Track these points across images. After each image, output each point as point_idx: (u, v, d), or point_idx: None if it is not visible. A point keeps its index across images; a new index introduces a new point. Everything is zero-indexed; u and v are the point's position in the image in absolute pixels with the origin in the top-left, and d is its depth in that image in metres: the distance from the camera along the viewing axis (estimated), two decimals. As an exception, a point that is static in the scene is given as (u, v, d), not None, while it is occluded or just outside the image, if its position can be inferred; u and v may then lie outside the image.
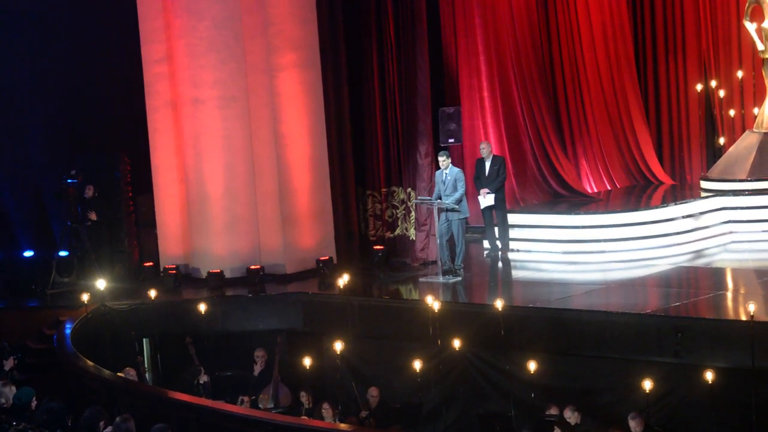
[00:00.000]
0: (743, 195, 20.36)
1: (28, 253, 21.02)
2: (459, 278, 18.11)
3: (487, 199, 19.36)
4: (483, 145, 19.83)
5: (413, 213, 19.83)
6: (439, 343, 16.01)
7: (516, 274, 19.24)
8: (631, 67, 23.06)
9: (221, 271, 19.07)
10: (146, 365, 17.53)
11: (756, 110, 21.74)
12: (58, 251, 19.82)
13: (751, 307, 13.93)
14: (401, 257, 19.92)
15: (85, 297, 17.36)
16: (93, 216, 19.84)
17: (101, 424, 12.11)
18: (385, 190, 20.33)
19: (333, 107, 19.99)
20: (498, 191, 19.42)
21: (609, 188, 22.67)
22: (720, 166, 21.32)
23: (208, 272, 19.07)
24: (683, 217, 20.05)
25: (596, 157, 22.78)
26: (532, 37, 22.25)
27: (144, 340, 17.99)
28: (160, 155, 19.84)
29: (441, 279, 17.94)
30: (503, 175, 19.56)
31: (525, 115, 22.03)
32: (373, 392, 16.20)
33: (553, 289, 17.53)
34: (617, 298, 16.83)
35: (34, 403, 13.17)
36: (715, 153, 22.57)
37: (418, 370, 15.32)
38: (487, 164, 19.53)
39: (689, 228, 19.97)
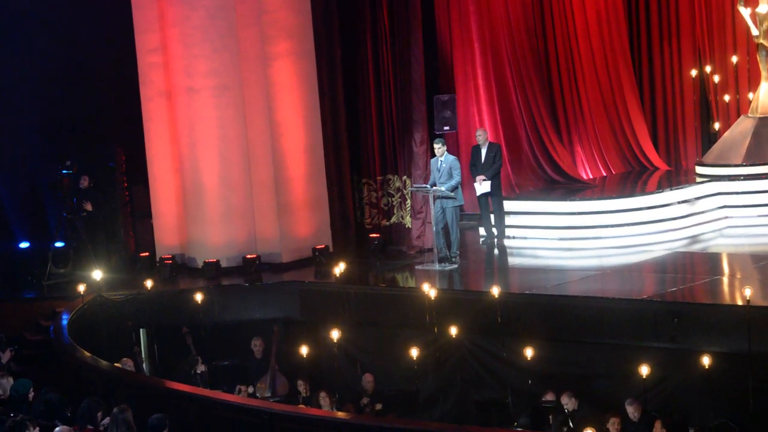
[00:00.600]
0: (738, 180, 20.37)
1: (24, 245, 21.02)
2: (455, 266, 18.11)
3: (483, 186, 19.37)
4: (479, 132, 19.84)
5: (409, 201, 19.83)
6: (436, 331, 16.02)
7: (512, 261, 19.25)
8: (626, 53, 23.05)
9: (217, 261, 19.07)
10: (143, 355, 17.53)
11: (751, 95, 21.74)
12: (54, 242, 19.82)
13: (747, 292, 13.92)
14: (397, 245, 19.94)
15: (81, 288, 17.35)
16: (88, 207, 19.83)
17: (99, 414, 12.15)
18: (380, 178, 20.32)
19: (327, 96, 19.96)
20: (494, 178, 19.44)
21: (604, 174, 22.67)
22: (715, 152, 21.32)
23: (204, 262, 19.07)
24: (679, 202, 20.05)
25: (591, 143, 22.77)
26: (526, 23, 22.22)
27: (141, 330, 17.99)
28: (154, 145, 19.82)
29: (437, 266, 17.94)
30: (499, 162, 19.57)
31: (520, 102, 22.02)
32: (368, 378, 16.23)
33: (550, 275, 17.53)
34: (613, 284, 16.85)
35: (31, 395, 13.20)
36: (710, 138, 22.57)
37: (415, 358, 15.32)
38: (483, 151, 19.54)
39: (685, 213, 19.98)
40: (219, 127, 19.21)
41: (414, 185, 19.18)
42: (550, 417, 14.35)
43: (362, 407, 15.74)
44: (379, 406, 15.85)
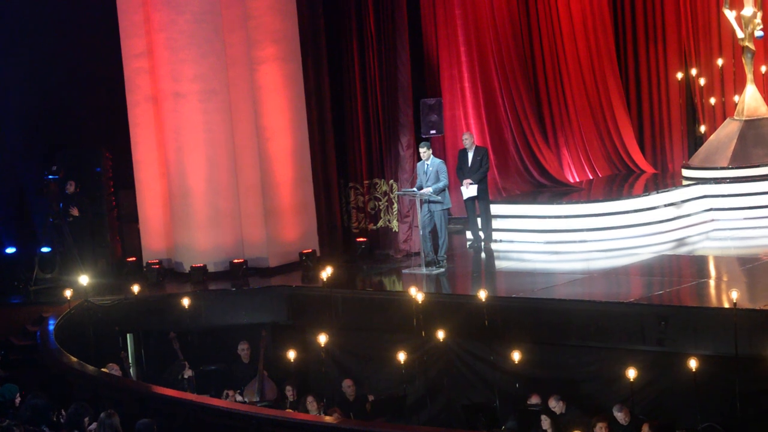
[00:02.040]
0: (725, 183, 20.41)
1: (10, 250, 20.94)
2: (442, 269, 18.12)
3: (469, 190, 19.37)
4: (465, 136, 19.84)
5: (396, 205, 19.83)
6: (423, 335, 16.02)
7: (499, 264, 19.26)
8: (612, 56, 23.07)
9: (204, 266, 19.02)
10: (130, 360, 17.50)
11: (736, 98, 21.78)
12: (40, 247, 19.77)
13: (734, 295, 13.97)
14: (384, 249, 19.92)
15: (68, 293, 17.29)
16: (75, 212, 19.78)
17: (86, 420, 12.14)
18: (367, 182, 20.31)
19: (314, 100, 19.97)
20: (480, 182, 19.44)
21: (591, 177, 22.69)
22: (701, 155, 21.37)
23: (191, 266, 19.02)
24: (665, 205, 20.09)
25: (578, 146, 22.79)
26: (512, 27, 22.24)
27: (128, 335, 17.96)
28: (141, 150, 19.78)
29: (424, 270, 17.96)
30: (486, 166, 19.57)
31: (506, 105, 22.04)
32: (348, 383, 16.22)
33: (537, 279, 17.55)
34: (600, 288, 16.86)
35: (18, 400, 13.18)
36: (696, 141, 22.62)
37: (402, 362, 15.33)
38: (470, 155, 19.55)
39: (671, 216, 20.02)
40: (206, 131, 19.19)
41: (401, 189, 19.18)
42: (548, 422, 14.29)
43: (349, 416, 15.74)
44: (371, 397, 15.91)
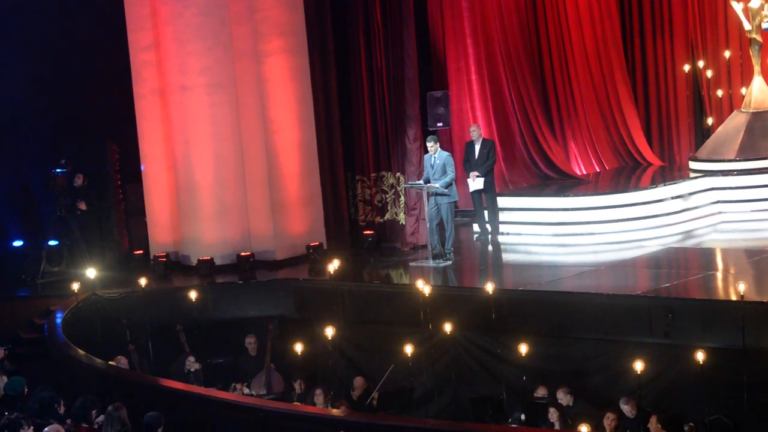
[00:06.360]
0: (732, 175, 20.37)
1: (17, 243, 20.98)
2: (449, 262, 18.12)
3: (476, 183, 19.36)
4: (473, 128, 19.83)
5: (403, 198, 19.83)
6: (431, 328, 16.03)
7: (506, 257, 19.24)
8: (619, 48, 23.02)
9: (211, 258, 19.07)
10: (138, 353, 17.50)
11: (744, 90, 21.74)
12: (48, 240, 19.79)
13: (741, 287, 13.96)
14: (391, 242, 19.93)
15: (75, 286, 17.35)
16: (82, 206, 19.78)
17: (93, 412, 12.18)
18: (374, 175, 20.31)
19: (321, 93, 19.96)
20: (487, 174, 19.42)
21: (598, 170, 22.65)
22: (708, 147, 21.33)
23: (198, 259, 19.07)
24: (672, 197, 20.06)
25: (585, 138, 22.75)
26: (519, 19, 22.20)
27: (135, 328, 17.96)
28: (148, 143, 19.81)
29: (431, 263, 17.95)
30: (493, 159, 19.55)
31: (513, 97, 22.00)
32: (359, 382, 16.21)
33: (544, 271, 17.55)
34: (607, 280, 16.85)
35: (25, 393, 13.20)
36: (703, 133, 22.55)
37: (409, 355, 15.33)
38: (477, 147, 19.53)
39: (678, 209, 19.99)
40: (212, 124, 19.21)
41: (408, 182, 19.18)
42: (556, 414, 14.27)
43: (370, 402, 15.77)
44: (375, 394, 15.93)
